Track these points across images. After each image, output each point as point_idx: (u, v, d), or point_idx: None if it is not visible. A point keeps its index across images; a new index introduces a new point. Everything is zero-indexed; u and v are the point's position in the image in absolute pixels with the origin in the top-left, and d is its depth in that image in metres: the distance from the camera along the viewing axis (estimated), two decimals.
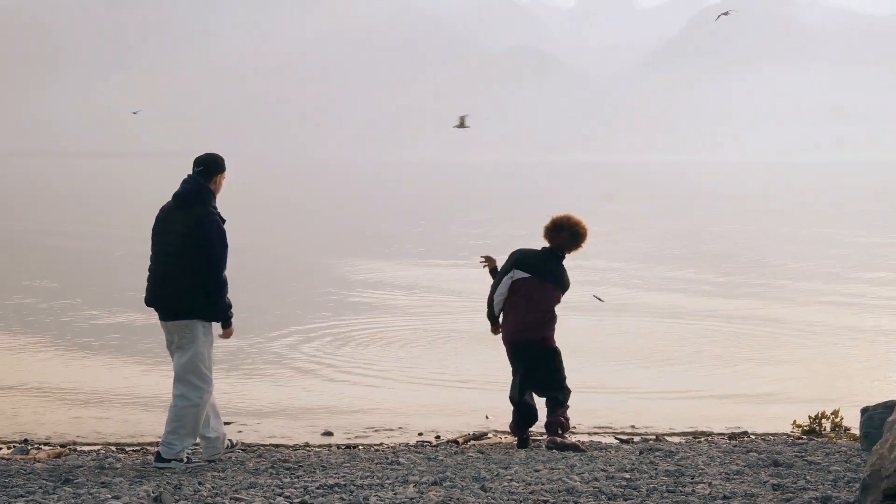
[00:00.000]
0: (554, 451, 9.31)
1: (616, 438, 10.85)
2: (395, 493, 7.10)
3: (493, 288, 9.74)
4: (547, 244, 9.73)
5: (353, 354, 15.75)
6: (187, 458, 8.44)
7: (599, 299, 18.11)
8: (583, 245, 9.74)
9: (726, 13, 24.03)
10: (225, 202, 9.19)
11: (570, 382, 9.74)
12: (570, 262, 9.85)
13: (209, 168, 8.54)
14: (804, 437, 10.74)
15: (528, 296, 9.52)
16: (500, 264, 9.94)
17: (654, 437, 10.96)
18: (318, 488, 7.31)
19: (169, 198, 8.55)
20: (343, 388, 13.68)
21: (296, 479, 7.76)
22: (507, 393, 9.78)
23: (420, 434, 11.24)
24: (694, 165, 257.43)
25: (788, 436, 10.87)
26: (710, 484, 7.43)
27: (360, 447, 10.25)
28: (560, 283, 9.60)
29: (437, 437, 11.01)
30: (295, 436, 11.09)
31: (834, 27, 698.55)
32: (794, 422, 11.23)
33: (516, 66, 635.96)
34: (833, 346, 17.28)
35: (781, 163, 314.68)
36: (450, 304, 21.44)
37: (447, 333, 17.66)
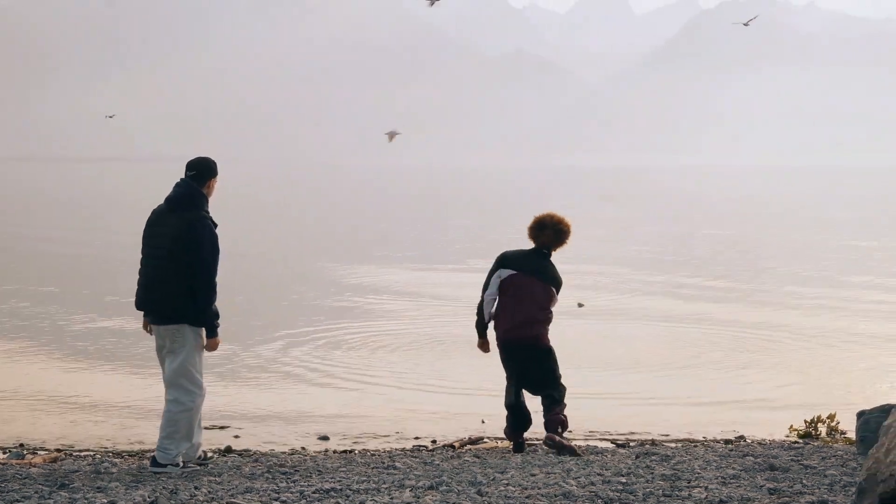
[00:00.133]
0: (550, 455, 9.29)
1: (612, 443, 10.85)
2: (391, 498, 7.09)
3: (483, 290, 9.74)
4: (532, 244, 9.74)
5: (349, 359, 15.74)
6: (183, 462, 8.43)
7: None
8: (567, 242, 9.73)
9: (754, 18, 24.40)
10: (219, 206, 9.18)
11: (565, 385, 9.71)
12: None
13: (202, 172, 8.53)
14: (800, 441, 10.75)
15: (516, 294, 9.49)
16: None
17: (650, 441, 10.96)
18: (314, 493, 7.31)
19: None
20: (339, 392, 13.67)
21: (292, 484, 7.75)
22: (503, 398, 9.75)
23: (416, 438, 11.23)
24: (691, 169, 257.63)
25: (784, 440, 10.88)
26: (706, 488, 7.43)
27: (357, 452, 10.24)
28: (545, 277, 9.52)
29: (434, 442, 11.00)
30: (291, 440, 11.09)
31: (830, 31, 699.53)
32: (791, 426, 11.25)
33: (513, 70, 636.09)
34: (829, 350, 17.29)
35: (780, 166, 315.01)
36: (445, 309, 21.43)
37: (443, 338, 17.67)
